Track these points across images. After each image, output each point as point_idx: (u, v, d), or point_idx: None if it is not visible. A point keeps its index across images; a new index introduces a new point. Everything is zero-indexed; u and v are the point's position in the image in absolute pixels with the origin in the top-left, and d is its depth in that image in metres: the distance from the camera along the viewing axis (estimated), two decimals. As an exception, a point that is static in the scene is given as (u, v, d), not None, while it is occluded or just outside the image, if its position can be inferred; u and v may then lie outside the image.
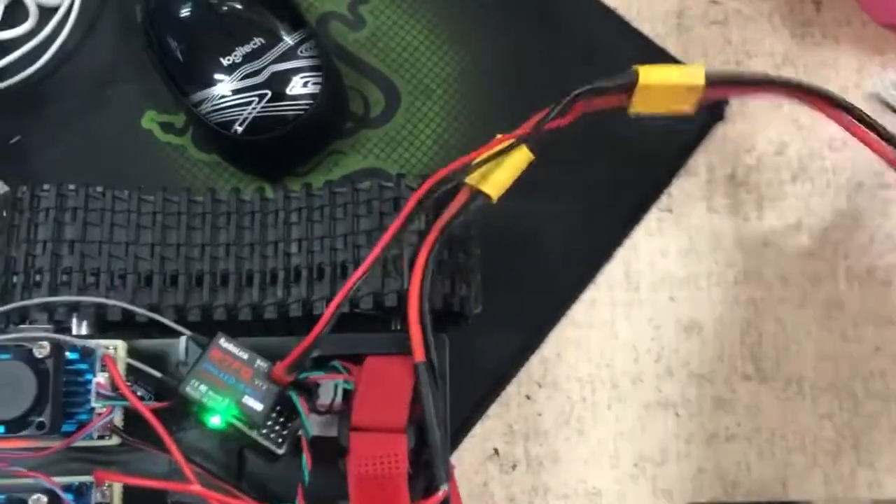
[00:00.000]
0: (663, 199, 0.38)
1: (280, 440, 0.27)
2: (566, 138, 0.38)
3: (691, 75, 0.33)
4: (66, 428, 0.27)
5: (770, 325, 0.37)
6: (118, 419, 0.28)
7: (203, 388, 0.27)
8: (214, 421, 0.27)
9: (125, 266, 0.31)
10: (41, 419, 0.26)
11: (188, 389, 0.27)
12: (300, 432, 0.27)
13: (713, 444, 0.36)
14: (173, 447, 0.27)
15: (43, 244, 0.30)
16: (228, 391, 0.27)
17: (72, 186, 0.31)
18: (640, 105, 0.33)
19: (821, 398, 0.36)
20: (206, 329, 0.29)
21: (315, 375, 0.28)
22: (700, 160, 0.39)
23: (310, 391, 0.28)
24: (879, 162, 0.34)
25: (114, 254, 0.31)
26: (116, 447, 0.28)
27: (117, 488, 0.28)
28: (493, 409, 0.36)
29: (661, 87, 0.33)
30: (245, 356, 0.28)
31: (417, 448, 0.29)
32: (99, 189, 0.31)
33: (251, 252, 0.31)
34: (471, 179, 0.32)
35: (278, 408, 0.28)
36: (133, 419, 0.28)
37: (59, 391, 0.27)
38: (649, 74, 0.33)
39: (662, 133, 0.38)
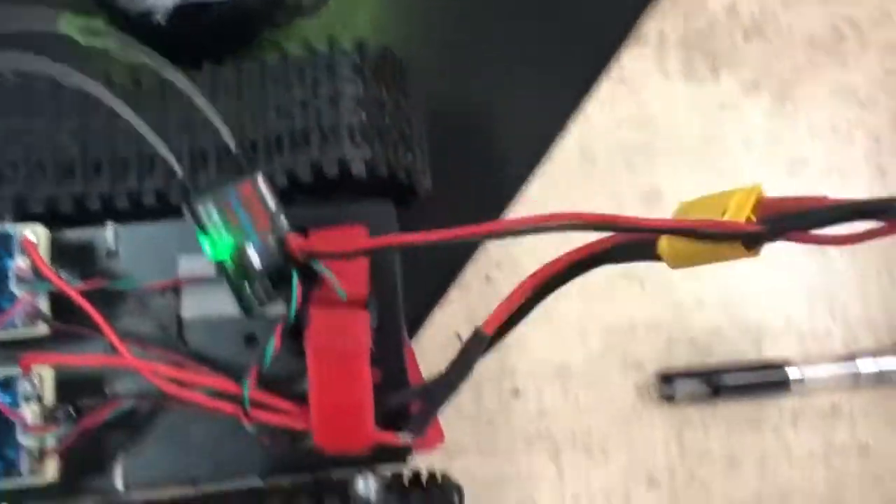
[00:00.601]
0: (614, 69, 0.37)
1: (259, 302, 0.25)
2: (506, 10, 0.36)
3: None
4: (-15, 318, 0.25)
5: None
6: (44, 305, 0.26)
7: (214, 214, 0.24)
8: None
9: (45, 155, 0.29)
10: (-45, 306, 0.24)
11: (199, 206, 0.24)
12: (280, 316, 0.25)
13: (682, 311, 0.34)
14: (104, 324, 0.25)
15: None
16: (236, 231, 0.25)
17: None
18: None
19: (790, 256, 0.35)
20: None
21: (326, 275, 0.26)
22: (650, 26, 0.37)
23: (312, 279, 0.26)
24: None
25: (32, 142, 0.29)
26: (46, 337, 0.26)
27: (48, 378, 0.26)
28: (453, 294, 0.34)
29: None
30: (273, 208, 0.25)
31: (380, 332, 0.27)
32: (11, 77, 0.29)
33: (178, 131, 0.29)
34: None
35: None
36: (63, 309, 0.26)
37: (-26, 276, 0.25)
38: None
39: (608, 1, 0.37)
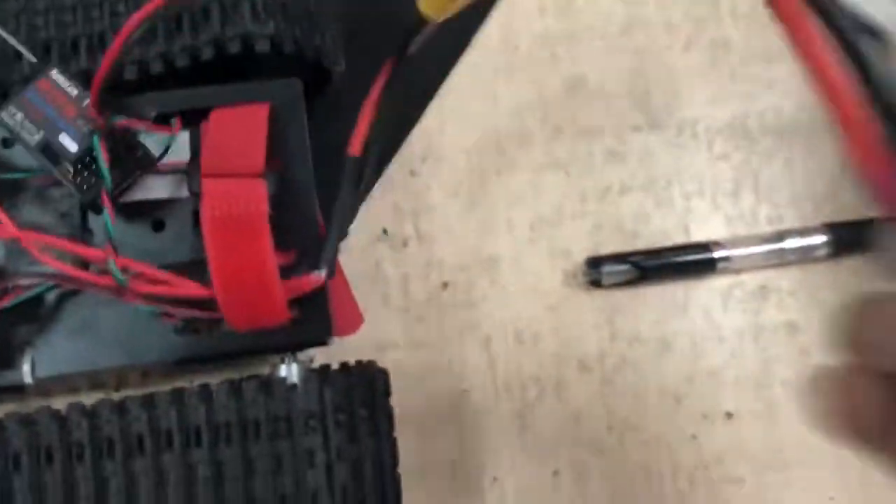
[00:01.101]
0: (535, -45, 0.36)
1: (85, 187, 0.25)
2: None
3: None
4: None
5: (657, 73, 0.35)
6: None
7: (19, 116, 0.24)
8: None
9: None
10: None
11: (3, 115, 0.24)
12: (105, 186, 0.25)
13: (607, 198, 0.34)
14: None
15: None
16: (46, 125, 0.24)
17: None
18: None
19: (715, 140, 0.35)
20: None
21: (125, 120, 0.25)
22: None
23: (123, 140, 0.25)
24: None
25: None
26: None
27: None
28: (377, 189, 0.33)
29: None
30: (75, 92, 0.25)
31: (280, 199, 0.26)
32: None
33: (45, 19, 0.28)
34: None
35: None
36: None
37: None
38: None
39: None
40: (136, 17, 0.24)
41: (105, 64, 0.24)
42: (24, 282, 0.25)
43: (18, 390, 0.25)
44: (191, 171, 0.26)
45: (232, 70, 0.28)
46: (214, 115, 0.27)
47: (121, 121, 0.24)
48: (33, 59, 0.26)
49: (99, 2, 0.28)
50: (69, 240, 0.24)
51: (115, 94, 0.26)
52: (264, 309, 0.25)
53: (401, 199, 0.33)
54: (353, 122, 0.31)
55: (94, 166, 0.25)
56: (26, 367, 0.25)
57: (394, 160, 0.34)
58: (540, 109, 0.35)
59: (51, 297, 0.26)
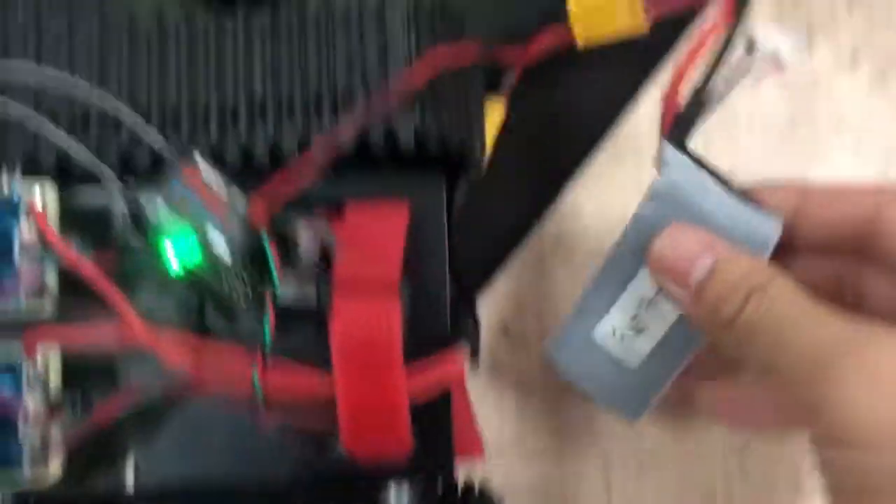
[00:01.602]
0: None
1: (247, 293, 0.23)
2: None
3: None
4: (-16, 295, 0.22)
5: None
6: (52, 280, 0.23)
7: (164, 209, 0.22)
8: (171, 253, 0.22)
9: (58, 106, 0.25)
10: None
11: (143, 200, 0.22)
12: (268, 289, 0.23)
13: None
14: (120, 302, 0.22)
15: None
16: (191, 217, 0.22)
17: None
18: (582, 34, 0.29)
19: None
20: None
21: (296, 223, 0.23)
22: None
23: (286, 242, 0.23)
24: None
25: (43, 89, 0.25)
26: (53, 317, 0.24)
27: (55, 362, 0.23)
28: (500, 279, 0.31)
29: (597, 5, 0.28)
30: (223, 185, 0.22)
31: (414, 315, 0.24)
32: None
33: (206, 83, 0.26)
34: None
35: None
36: (72, 285, 0.23)
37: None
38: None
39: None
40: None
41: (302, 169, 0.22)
42: (142, 386, 0.23)
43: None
44: (319, 279, 0.24)
45: (365, 158, 0.26)
46: (350, 216, 0.24)
47: (292, 224, 0.23)
48: (164, 146, 0.24)
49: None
50: (206, 338, 0.23)
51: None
52: (389, 444, 0.23)
53: (525, 293, 0.31)
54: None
55: (246, 266, 0.23)
56: (129, 472, 0.24)
57: (521, 248, 0.31)
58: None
59: (159, 397, 0.24)
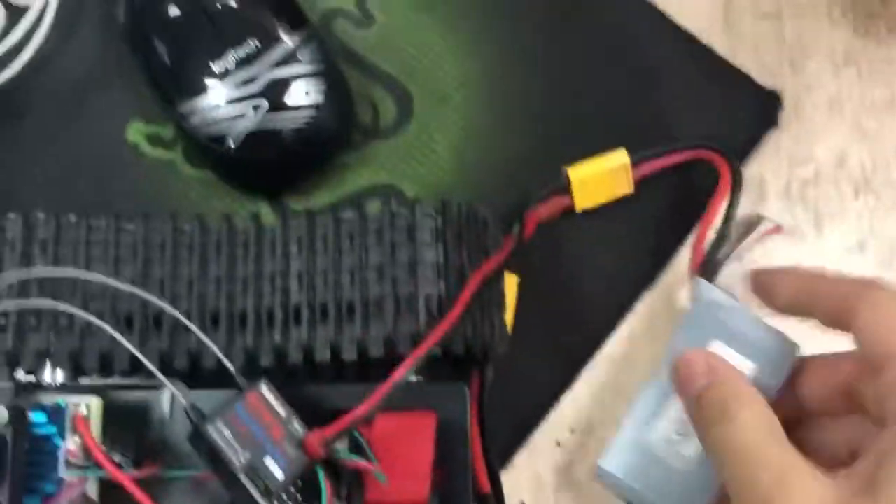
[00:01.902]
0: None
1: None
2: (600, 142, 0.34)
3: (616, 158, 0.33)
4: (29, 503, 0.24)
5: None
6: (92, 491, 0.24)
7: (227, 433, 0.23)
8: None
9: (102, 306, 0.27)
10: (-2, 499, 0.22)
11: (211, 430, 0.23)
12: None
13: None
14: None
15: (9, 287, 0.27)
16: (251, 446, 0.23)
17: (41, 215, 0.27)
18: (583, 201, 0.33)
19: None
20: (192, 377, 0.26)
21: (354, 460, 0.24)
22: (751, 172, 0.34)
23: (338, 472, 0.24)
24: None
25: (88, 291, 0.27)
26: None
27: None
28: (520, 457, 0.32)
29: (595, 178, 0.33)
30: (283, 413, 0.24)
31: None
32: (73, 218, 0.28)
33: (245, 288, 0.28)
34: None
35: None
36: (111, 490, 0.25)
37: (22, 464, 0.23)
38: (578, 171, 0.33)
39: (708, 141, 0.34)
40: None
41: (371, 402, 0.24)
42: None
43: None
44: (352, 493, 0.25)
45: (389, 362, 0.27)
46: (380, 425, 0.25)
47: (348, 459, 0.24)
48: (231, 367, 0.25)
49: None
50: None
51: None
52: None
53: (543, 472, 0.32)
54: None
55: (295, 490, 0.24)
56: None
57: (540, 427, 0.32)
58: (700, 388, 0.32)
59: None
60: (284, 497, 0.23)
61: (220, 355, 0.25)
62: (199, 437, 0.23)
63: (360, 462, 0.24)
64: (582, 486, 0.32)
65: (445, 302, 0.27)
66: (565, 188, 0.32)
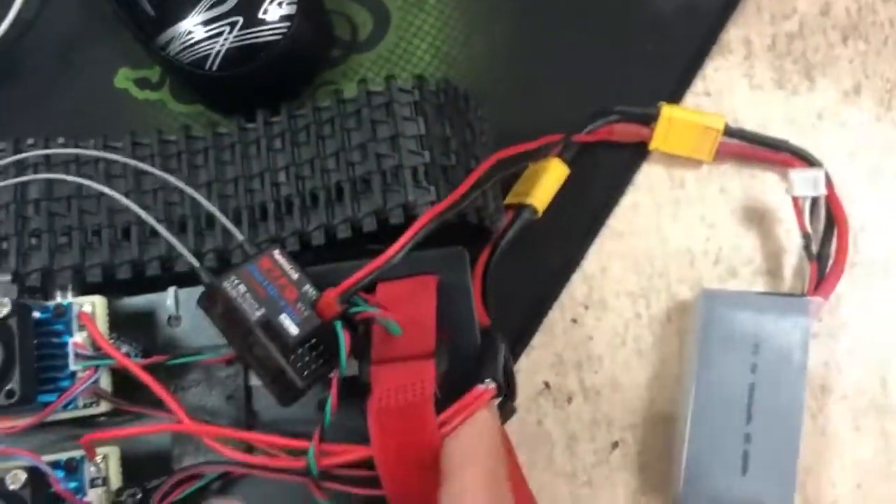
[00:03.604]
0: (698, 83, 0.34)
1: (305, 373, 0.23)
2: (577, 31, 0.34)
3: (713, 120, 0.32)
4: (45, 398, 0.24)
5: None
6: (105, 382, 0.24)
7: (242, 288, 0.23)
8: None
9: (99, 220, 0.27)
10: (10, 386, 0.23)
11: (225, 284, 0.23)
12: (333, 373, 0.24)
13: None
14: (170, 400, 0.23)
15: (6, 207, 0.27)
16: (266, 303, 0.23)
17: (30, 140, 0.28)
18: (659, 141, 0.32)
19: None
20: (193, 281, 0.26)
21: (369, 311, 0.24)
22: (733, 34, 0.34)
23: (355, 328, 0.24)
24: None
25: (85, 209, 0.28)
26: (108, 416, 0.25)
27: (113, 459, 0.24)
28: (537, 339, 0.32)
29: (683, 126, 0.32)
30: (295, 276, 0.24)
31: (449, 371, 0.25)
32: (61, 140, 0.28)
33: (235, 188, 0.28)
34: (514, 197, 0.32)
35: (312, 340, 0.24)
36: (125, 385, 0.25)
37: (30, 353, 0.23)
38: (671, 111, 0.32)
39: (687, 9, 0.34)
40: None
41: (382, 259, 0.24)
42: (197, 471, 0.24)
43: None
44: (359, 354, 0.24)
45: (388, 236, 0.27)
46: (382, 291, 0.25)
47: (361, 313, 0.24)
48: (239, 235, 0.26)
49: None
50: (273, 435, 0.24)
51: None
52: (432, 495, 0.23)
53: (562, 350, 0.32)
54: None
55: (313, 353, 0.24)
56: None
57: (554, 307, 0.32)
58: (712, 249, 0.32)
59: (214, 485, 0.25)
60: (300, 353, 0.23)
61: (228, 224, 0.25)
62: (211, 298, 0.23)
63: (374, 312, 0.24)
64: (603, 361, 0.31)
65: (432, 171, 0.27)
66: (651, 119, 0.32)
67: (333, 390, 0.24)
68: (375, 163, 0.27)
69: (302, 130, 0.28)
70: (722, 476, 0.27)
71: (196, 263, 0.25)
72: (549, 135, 0.31)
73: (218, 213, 0.26)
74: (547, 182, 0.32)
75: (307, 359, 0.24)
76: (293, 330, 0.23)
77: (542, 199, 0.31)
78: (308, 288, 0.24)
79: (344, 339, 0.24)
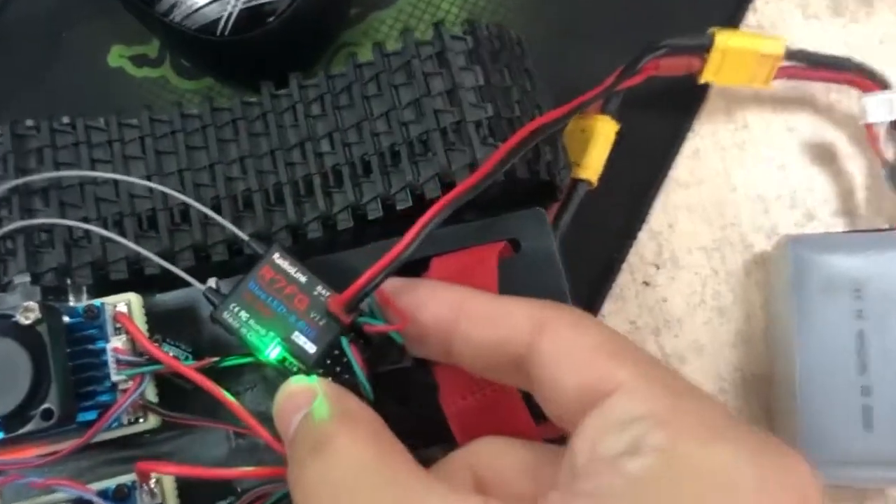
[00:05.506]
0: (749, 16, 0.31)
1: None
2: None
3: (772, 45, 0.28)
4: (84, 417, 0.20)
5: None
6: (150, 392, 0.21)
7: (244, 315, 0.20)
8: (272, 353, 0.20)
9: (119, 208, 0.24)
10: (46, 405, 0.19)
11: (225, 315, 0.20)
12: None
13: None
14: (240, 409, 0.20)
15: (7, 200, 0.23)
16: (275, 323, 0.20)
17: (30, 122, 0.24)
18: (712, 73, 0.29)
19: None
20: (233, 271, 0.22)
21: (376, 325, 0.20)
22: (785, -36, 0.32)
23: (367, 339, 0.21)
24: None
25: (101, 196, 0.24)
26: (157, 431, 0.22)
27: (168, 481, 0.21)
28: (608, 306, 0.29)
29: (740, 54, 0.28)
30: (303, 279, 0.21)
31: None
32: (66, 120, 0.24)
33: (273, 162, 0.24)
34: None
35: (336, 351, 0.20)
36: (170, 393, 0.21)
37: (64, 364, 0.20)
38: (726, 37, 0.28)
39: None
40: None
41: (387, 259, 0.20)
42: (264, 491, 0.21)
43: None
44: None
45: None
46: (436, 266, 0.22)
47: (372, 325, 0.20)
48: (245, 238, 0.22)
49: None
50: None
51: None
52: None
53: (637, 316, 0.29)
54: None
55: (339, 365, 0.21)
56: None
57: (622, 270, 0.29)
58: (786, 193, 0.30)
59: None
60: (329, 365, 0.20)
61: (233, 228, 0.22)
62: (218, 324, 0.20)
63: (383, 327, 0.20)
64: (683, 323, 0.29)
65: (497, 125, 0.24)
66: (703, 50, 0.28)
67: None
68: (434, 120, 0.24)
69: (343, 92, 0.25)
70: (844, 437, 0.24)
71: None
72: (591, 88, 0.28)
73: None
74: (597, 146, 0.28)
75: (338, 368, 0.21)
76: (310, 349, 0.20)
77: (595, 167, 0.28)
78: (320, 289, 0.20)
79: (353, 355, 0.20)
